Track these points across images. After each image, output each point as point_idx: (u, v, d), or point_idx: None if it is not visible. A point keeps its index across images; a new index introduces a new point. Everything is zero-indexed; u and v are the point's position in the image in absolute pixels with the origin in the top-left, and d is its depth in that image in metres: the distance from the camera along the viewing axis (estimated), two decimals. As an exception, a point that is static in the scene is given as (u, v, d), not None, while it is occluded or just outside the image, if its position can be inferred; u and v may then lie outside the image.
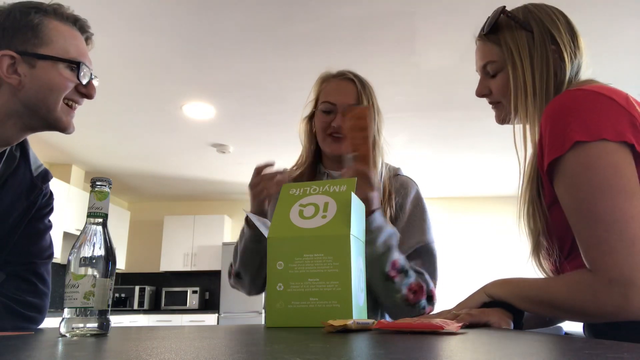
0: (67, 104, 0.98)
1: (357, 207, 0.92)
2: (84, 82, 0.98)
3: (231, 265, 1.30)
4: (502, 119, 1.01)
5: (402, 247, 1.18)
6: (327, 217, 0.85)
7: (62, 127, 0.99)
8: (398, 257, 1.12)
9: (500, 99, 0.99)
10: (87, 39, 1.04)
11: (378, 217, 1.09)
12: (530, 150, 0.93)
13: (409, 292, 1.12)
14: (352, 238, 0.83)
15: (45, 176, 1.06)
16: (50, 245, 1.07)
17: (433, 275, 1.20)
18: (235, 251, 1.27)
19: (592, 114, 0.78)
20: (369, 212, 1.06)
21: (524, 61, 0.92)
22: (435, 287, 1.20)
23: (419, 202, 1.27)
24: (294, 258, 0.82)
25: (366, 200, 1.03)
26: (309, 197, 0.92)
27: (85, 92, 1.00)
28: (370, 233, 1.07)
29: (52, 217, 1.10)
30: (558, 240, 0.87)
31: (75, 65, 0.96)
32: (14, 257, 0.99)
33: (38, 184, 1.03)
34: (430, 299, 1.16)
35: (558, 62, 0.91)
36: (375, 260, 1.09)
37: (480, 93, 1.02)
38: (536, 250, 0.90)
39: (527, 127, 0.92)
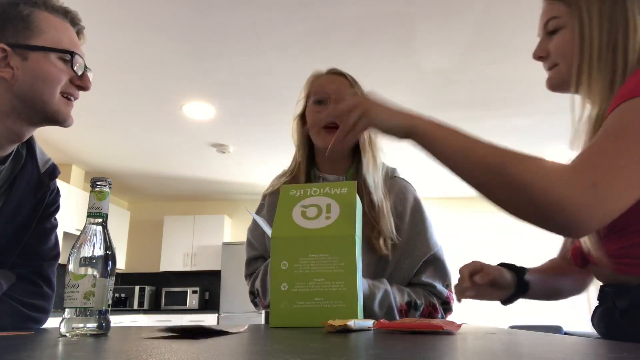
0: (64, 97, 0.96)
1: (358, 209, 0.93)
2: (79, 73, 0.96)
3: (254, 294, 1.23)
4: (556, 84, 0.92)
5: (411, 261, 1.17)
6: (331, 218, 0.86)
7: (62, 119, 0.97)
8: (400, 299, 1.11)
9: (558, 60, 0.90)
10: (79, 32, 1.02)
11: (365, 288, 1.04)
12: (587, 111, 0.85)
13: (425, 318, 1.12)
14: (357, 239, 0.84)
15: (53, 172, 1.04)
16: (56, 245, 1.07)
17: (446, 279, 1.20)
18: (262, 283, 1.20)
19: None
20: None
21: (592, 19, 0.85)
22: (451, 287, 1.19)
23: (418, 208, 1.24)
24: (298, 258, 0.83)
25: None
26: (310, 198, 0.92)
27: (81, 84, 0.97)
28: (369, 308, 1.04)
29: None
30: None
31: (68, 56, 0.94)
32: (21, 259, 0.99)
33: (45, 181, 1.02)
34: (447, 305, 1.17)
35: (625, 27, 0.83)
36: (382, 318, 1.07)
37: (537, 55, 0.94)
38: None
39: (595, 86, 0.84)
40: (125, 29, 2.66)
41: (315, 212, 0.89)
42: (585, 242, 0.84)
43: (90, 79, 1.01)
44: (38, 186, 1.00)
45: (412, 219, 1.21)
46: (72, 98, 0.98)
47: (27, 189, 0.99)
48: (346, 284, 0.80)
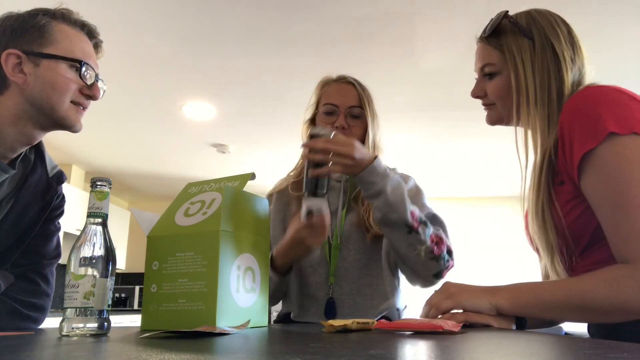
0: (75, 105, 1.00)
1: (248, 203, 0.86)
2: (88, 82, 0.99)
3: None
4: (494, 120, 1.03)
5: None
6: (207, 213, 0.79)
7: (69, 125, 1.00)
8: (413, 208, 1.12)
9: (494, 101, 0.99)
10: (97, 46, 1.06)
11: (378, 165, 1.07)
12: (531, 155, 0.93)
13: (432, 243, 1.12)
14: (230, 235, 0.77)
15: (60, 177, 1.08)
16: (58, 247, 1.09)
17: (446, 234, 1.20)
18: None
19: (620, 108, 0.79)
20: (369, 162, 1.06)
21: (526, 68, 0.93)
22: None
23: (417, 190, 1.30)
24: (167, 257, 0.78)
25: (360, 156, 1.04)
26: (203, 194, 0.86)
27: (89, 93, 1.00)
28: (373, 184, 1.06)
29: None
30: (573, 238, 0.85)
31: (78, 65, 0.97)
32: (22, 258, 1.01)
33: (53, 184, 1.05)
34: (450, 253, 1.17)
35: (557, 71, 0.92)
36: (393, 211, 1.08)
37: (475, 94, 1.03)
38: (551, 252, 0.87)
39: (528, 132, 0.93)
40: (125, 29, 2.66)
41: (197, 208, 0.82)
42: (554, 267, 0.88)
43: (103, 90, 1.04)
44: (46, 189, 1.04)
45: (410, 194, 1.24)
46: (80, 107, 1.01)
47: (36, 191, 1.01)
48: (207, 284, 0.73)
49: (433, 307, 0.87)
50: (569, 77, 0.92)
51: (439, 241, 1.14)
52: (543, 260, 0.90)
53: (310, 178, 1.06)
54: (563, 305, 0.79)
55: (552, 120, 0.89)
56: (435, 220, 1.22)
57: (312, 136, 1.08)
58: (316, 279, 1.25)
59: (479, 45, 1.02)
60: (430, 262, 1.12)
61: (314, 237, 1.11)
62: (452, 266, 1.17)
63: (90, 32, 1.04)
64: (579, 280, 0.81)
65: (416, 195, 1.27)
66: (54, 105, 0.96)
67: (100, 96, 1.04)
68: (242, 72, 3.14)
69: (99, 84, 1.03)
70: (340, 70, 1.38)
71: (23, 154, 1.01)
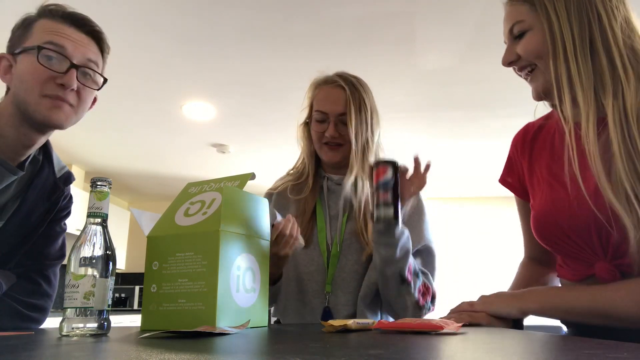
0: (50, 98, 0.92)
1: (248, 203, 0.86)
2: (55, 68, 0.90)
3: None
4: (540, 90, 0.88)
5: None
6: (207, 213, 0.79)
7: (41, 121, 0.92)
8: (411, 261, 1.14)
9: (532, 60, 0.87)
10: (94, 35, 1.00)
11: (401, 224, 1.11)
12: (569, 108, 0.81)
13: (419, 294, 1.15)
14: (230, 235, 0.77)
15: (68, 178, 1.06)
16: (62, 248, 1.08)
17: (433, 276, 1.22)
18: None
19: None
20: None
21: (560, 15, 0.82)
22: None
23: (418, 204, 1.28)
24: (167, 257, 0.78)
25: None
26: (203, 194, 0.85)
27: (62, 81, 0.91)
28: (392, 236, 1.09)
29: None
30: None
31: (52, 55, 0.90)
32: (26, 258, 1.00)
33: (60, 185, 1.04)
34: (434, 299, 1.19)
35: (598, 19, 0.81)
36: (393, 263, 1.11)
37: (506, 60, 0.91)
38: None
39: (576, 88, 0.81)
40: (125, 29, 2.66)
41: (197, 208, 0.81)
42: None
43: (98, 81, 1.02)
44: (53, 190, 1.02)
45: (411, 212, 1.25)
46: (58, 99, 0.92)
47: (42, 192, 1.00)
48: (207, 284, 0.73)
49: (466, 304, 0.90)
50: (617, 28, 0.80)
51: (425, 291, 1.17)
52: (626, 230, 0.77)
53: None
54: (587, 311, 0.80)
55: (604, 75, 0.79)
56: (428, 254, 1.23)
57: (378, 164, 1.09)
58: (313, 286, 1.22)
59: (505, 10, 0.92)
60: (413, 310, 1.16)
61: (276, 246, 1.04)
62: (432, 311, 1.20)
63: (77, 22, 0.96)
64: (604, 289, 0.80)
65: (415, 213, 1.25)
66: (26, 100, 0.90)
67: (98, 87, 1.00)
68: (242, 72, 3.14)
69: (91, 73, 0.97)
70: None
71: (32, 156, 1.00)
